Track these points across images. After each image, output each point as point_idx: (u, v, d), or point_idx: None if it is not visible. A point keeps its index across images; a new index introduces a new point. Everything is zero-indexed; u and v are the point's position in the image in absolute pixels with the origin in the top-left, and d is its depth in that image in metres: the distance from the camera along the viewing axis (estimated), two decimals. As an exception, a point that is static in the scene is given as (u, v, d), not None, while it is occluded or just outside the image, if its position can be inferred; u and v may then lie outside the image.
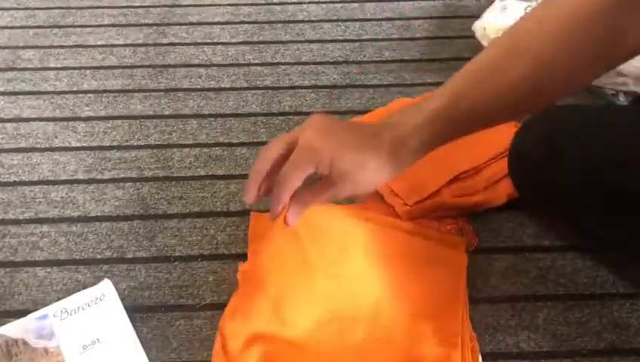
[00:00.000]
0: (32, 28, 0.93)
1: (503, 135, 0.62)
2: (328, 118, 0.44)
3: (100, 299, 0.57)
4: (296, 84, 0.83)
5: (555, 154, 0.56)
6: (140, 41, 0.90)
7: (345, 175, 0.43)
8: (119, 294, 0.57)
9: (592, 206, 0.55)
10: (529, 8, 0.84)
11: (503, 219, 0.64)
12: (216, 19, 0.95)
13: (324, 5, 0.97)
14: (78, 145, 0.74)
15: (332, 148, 0.42)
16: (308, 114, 0.78)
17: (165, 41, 0.90)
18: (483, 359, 0.52)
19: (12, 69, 0.85)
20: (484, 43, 0.85)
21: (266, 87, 0.82)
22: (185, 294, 0.59)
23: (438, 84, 0.81)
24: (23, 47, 0.89)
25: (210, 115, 0.78)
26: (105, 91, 0.82)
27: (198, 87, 0.82)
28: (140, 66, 0.86)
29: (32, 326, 0.55)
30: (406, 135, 0.43)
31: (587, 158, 0.55)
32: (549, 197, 0.59)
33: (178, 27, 0.93)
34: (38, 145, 0.74)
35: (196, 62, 0.87)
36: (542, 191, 0.59)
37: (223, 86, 0.82)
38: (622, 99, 0.77)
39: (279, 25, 0.93)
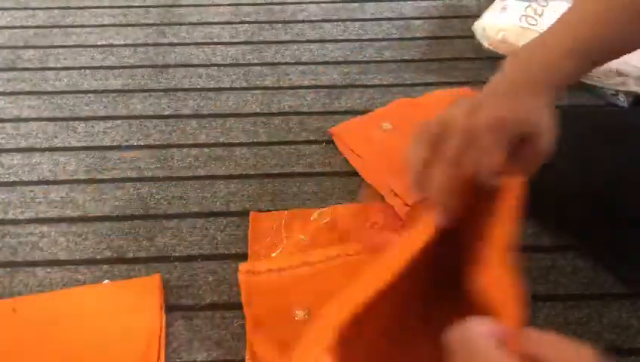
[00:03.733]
0: (32, 28, 0.93)
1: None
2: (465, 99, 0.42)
3: (99, 299, 0.57)
4: (296, 84, 0.83)
5: (555, 161, 0.56)
6: (139, 41, 0.90)
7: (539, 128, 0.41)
8: (119, 294, 0.57)
9: (592, 214, 0.55)
10: (529, 9, 0.84)
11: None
12: (216, 19, 0.94)
13: (324, 5, 0.97)
14: (78, 145, 0.74)
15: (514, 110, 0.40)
16: (308, 114, 0.78)
17: (165, 41, 0.90)
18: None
19: (12, 69, 0.85)
20: (484, 43, 0.85)
21: (266, 87, 0.82)
22: (185, 294, 0.58)
23: (438, 84, 0.82)
24: (23, 47, 0.89)
25: (210, 115, 0.78)
26: (105, 91, 0.82)
27: (198, 87, 0.82)
28: (140, 66, 0.85)
29: (32, 327, 0.55)
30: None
31: (586, 168, 0.55)
32: (549, 201, 0.59)
33: (178, 27, 0.93)
34: (38, 145, 0.74)
35: (196, 62, 0.86)
36: (542, 194, 0.59)
37: (222, 86, 0.82)
38: (622, 100, 0.77)
39: (279, 25, 0.93)
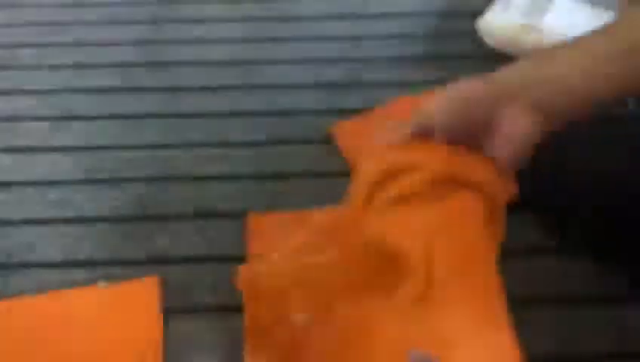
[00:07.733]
0: (28, 26, 0.92)
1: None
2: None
3: (96, 302, 0.57)
4: (296, 81, 0.82)
5: (561, 165, 0.56)
6: (137, 39, 0.89)
7: None
8: (116, 297, 0.57)
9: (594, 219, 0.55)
10: (533, 6, 0.83)
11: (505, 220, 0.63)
12: (215, 16, 0.93)
13: (324, 1, 0.96)
14: (75, 144, 0.73)
15: None
16: (308, 112, 0.77)
17: (162, 38, 0.89)
18: None
19: (8, 67, 0.84)
20: (488, 40, 0.84)
21: (265, 86, 0.81)
22: (183, 297, 0.58)
23: (441, 81, 0.80)
24: (19, 46, 0.88)
25: (209, 114, 0.77)
26: (101, 90, 0.81)
27: (196, 85, 0.81)
28: (137, 64, 0.84)
29: (27, 330, 0.55)
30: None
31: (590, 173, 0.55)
32: (552, 207, 0.59)
33: (175, 24, 0.92)
34: (34, 145, 0.73)
35: (194, 59, 0.85)
36: (546, 200, 0.59)
37: (221, 84, 0.81)
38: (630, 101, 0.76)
39: (279, 22, 0.92)
